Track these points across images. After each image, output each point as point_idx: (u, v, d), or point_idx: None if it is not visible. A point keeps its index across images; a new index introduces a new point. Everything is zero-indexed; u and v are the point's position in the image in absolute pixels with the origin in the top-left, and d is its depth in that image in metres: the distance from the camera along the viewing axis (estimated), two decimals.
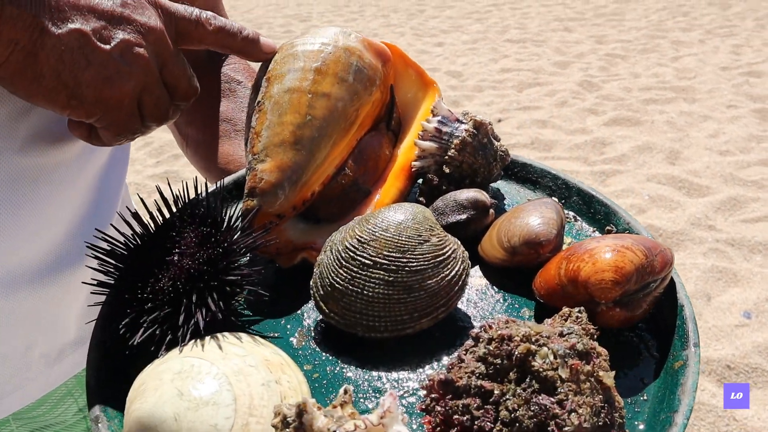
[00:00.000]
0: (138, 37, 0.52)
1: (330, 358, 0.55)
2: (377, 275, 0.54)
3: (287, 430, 0.41)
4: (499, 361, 0.45)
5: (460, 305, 0.59)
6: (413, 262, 0.53)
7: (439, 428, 0.45)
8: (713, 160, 3.23)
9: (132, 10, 0.52)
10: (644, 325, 0.56)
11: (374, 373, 0.53)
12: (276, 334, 0.57)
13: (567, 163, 3.30)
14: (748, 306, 2.21)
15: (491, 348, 0.46)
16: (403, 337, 0.55)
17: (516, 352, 0.44)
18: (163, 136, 4.00)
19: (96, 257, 0.57)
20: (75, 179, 0.67)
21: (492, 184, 0.71)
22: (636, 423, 0.49)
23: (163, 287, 0.53)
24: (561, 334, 0.46)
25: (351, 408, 0.43)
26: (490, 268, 0.62)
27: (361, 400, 0.51)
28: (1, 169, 0.58)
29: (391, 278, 0.53)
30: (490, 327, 0.47)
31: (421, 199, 0.66)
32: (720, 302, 2.24)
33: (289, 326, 0.58)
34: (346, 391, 0.44)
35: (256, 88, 0.65)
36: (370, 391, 0.52)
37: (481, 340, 0.47)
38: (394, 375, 0.53)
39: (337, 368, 0.54)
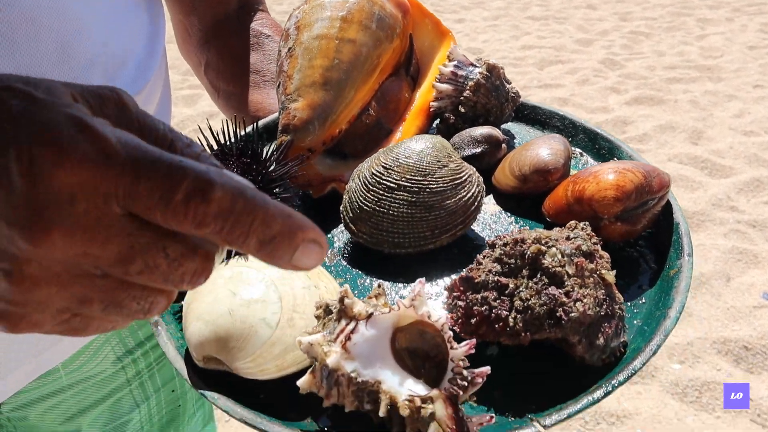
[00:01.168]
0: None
1: (359, 272, 0.61)
2: (401, 197, 0.60)
3: (330, 315, 0.48)
4: (513, 260, 0.51)
5: (475, 227, 0.65)
6: (433, 184, 0.60)
7: (460, 320, 0.52)
8: (737, 141, 3.16)
9: None
10: (644, 243, 0.62)
11: (400, 285, 0.60)
12: None
13: None
14: None
15: (506, 249, 0.52)
16: (425, 253, 0.61)
17: (528, 252, 0.51)
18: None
19: None
20: None
21: (503, 126, 0.77)
22: (635, 321, 0.55)
23: None
24: (567, 238, 0.52)
25: (384, 299, 0.49)
26: (503, 196, 0.68)
27: None
28: None
29: (413, 199, 0.59)
30: (510, 235, 0.54)
31: (438, 136, 0.72)
32: (739, 283, 2.23)
33: None
34: (379, 286, 0.50)
35: (286, 37, 0.71)
36: (397, 299, 0.58)
37: (497, 245, 0.53)
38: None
39: (367, 281, 0.60)
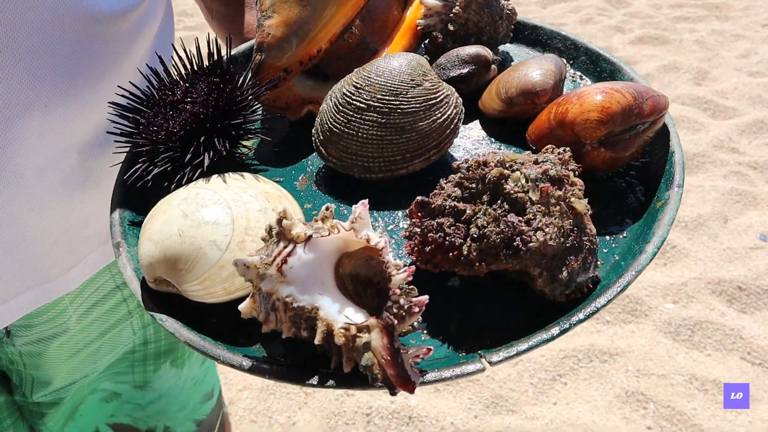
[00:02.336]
0: None
1: (328, 198, 0.59)
2: (371, 117, 0.56)
3: (271, 237, 0.46)
4: (474, 185, 0.48)
5: (455, 153, 0.61)
6: (405, 104, 0.56)
7: (416, 248, 0.49)
8: (742, 81, 3.07)
9: None
10: (635, 173, 0.57)
11: (369, 211, 0.57)
12: (281, 179, 0.61)
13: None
14: (765, 229, 2.18)
15: (467, 173, 0.48)
16: (398, 179, 0.58)
17: (489, 176, 0.47)
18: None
19: (117, 112, 0.61)
20: (126, 53, 0.70)
21: (501, 47, 0.71)
22: (614, 256, 0.51)
23: (174, 130, 0.58)
24: (536, 162, 0.48)
25: (331, 222, 0.47)
26: (489, 121, 0.64)
27: None
28: (66, 40, 0.62)
29: (383, 120, 0.56)
30: (475, 158, 0.50)
31: (426, 56, 0.67)
32: (737, 224, 2.21)
33: (293, 172, 0.62)
34: (327, 208, 0.47)
35: None
36: (336, 221, 0.55)
37: (460, 169, 0.49)
38: (387, 212, 0.56)
39: (335, 206, 0.58)
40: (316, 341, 0.43)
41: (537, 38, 0.72)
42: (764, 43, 3.47)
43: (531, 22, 0.72)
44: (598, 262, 0.50)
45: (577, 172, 0.51)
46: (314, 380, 0.44)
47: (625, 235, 0.52)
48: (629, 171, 0.57)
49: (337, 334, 0.42)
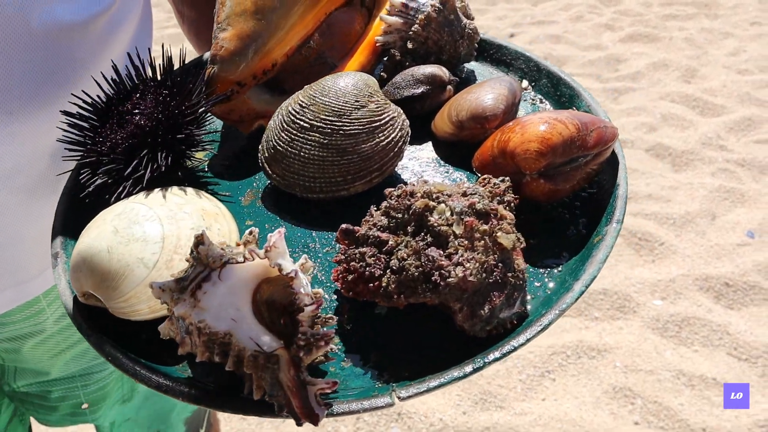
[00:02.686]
0: None
1: (271, 215, 0.58)
2: (314, 138, 0.56)
3: (190, 258, 0.45)
4: (399, 215, 0.47)
5: (403, 175, 0.60)
6: (348, 126, 0.55)
7: (341, 275, 0.48)
8: (731, 79, 3.06)
9: None
10: (580, 204, 0.56)
11: (308, 231, 0.56)
12: (227, 193, 0.61)
13: (579, 80, 3.15)
14: (753, 226, 2.18)
15: (393, 202, 0.47)
16: (342, 200, 0.57)
17: (414, 206, 0.46)
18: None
19: (67, 120, 0.61)
20: (97, 59, 0.70)
21: (466, 65, 0.71)
22: (546, 290, 0.50)
23: (119, 142, 0.58)
24: (464, 194, 0.47)
25: (254, 246, 0.46)
26: (441, 143, 0.63)
27: (292, 254, 0.55)
28: (32, 47, 0.62)
29: (326, 141, 0.55)
30: (404, 186, 0.49)
31: (383, 74, 0.67)
32: (725, 221, 2.22)
33: (240, 187, 0.62)
34: (251, 233, 0.47)
35: None
36: (300, 247, 0.55)
37: (391, 196, 0.48)
38: (326, 234, 0.56)
39: (274, 225, 0.57)
40: (227, 367, 0.43)
41: (501, 58, 0.71)
42: (753, 41, 3.45)
43: (496, 41, 0.71)
44: (528, 297, 0.49)
45: (513, 204, 0.50)
46: (226, 405, 0.44)
47: (560, 269, 0.51)
48: (574, 202, 0.56)
49: (246, 362, 0.42)
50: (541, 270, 0.51)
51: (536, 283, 0.51)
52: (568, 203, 0.56)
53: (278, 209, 0.59)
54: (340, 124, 0.55)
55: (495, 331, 0.46)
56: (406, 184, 0.56)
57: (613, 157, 0.56)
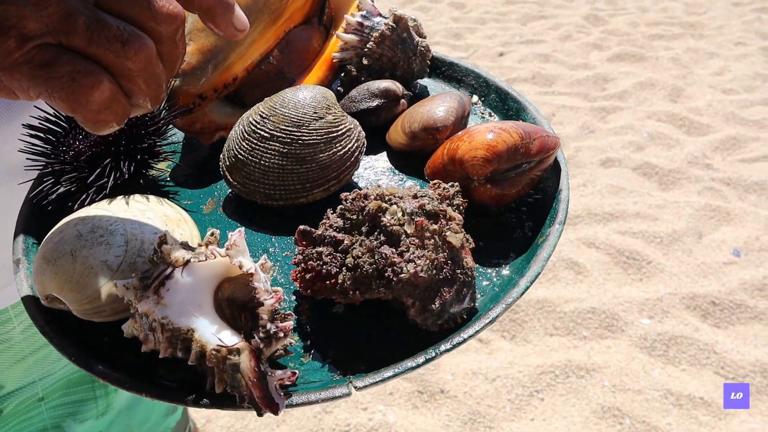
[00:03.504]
0: None
1: (232, 222, 0.60)
2: (274, 147, 0.58)
3: (153, 257, 0.47)
4: (354, 216, 0.50)
5: (360, 183, 0.63)
6: (306, 136, 0.58)
7: (299, 275, 0.50)
8: (716, 99, 3.16)
9: None
10: (526, 209, 0.60)
11: (268, 236, 0.59)
12: (189, 202, 0.63)
13: (567, 99, 3.26)
14: (739, 244, 2.22)
15: (348, 205, 0.50)
16: (300, 207, 0.60)
17: (368, 208, 0.49)
18: None
19: (30, 131, 0.63)
20: None
21: (420, 81, 0.74)
22: (494, 288, 0.53)
23: (83, 151, 0.59)
24: (414, 196, 0.50)
25: (215, 247, 0.48)
26: (395, 154, 0.66)
27: (253, 257, 0.57)
28: None
29: (285, 150, 0.58)
30: (359, 190, 0.52)
31: (340, 89, 0.70)
32: (711, 240, 2.26)
33: (201, 196, 0.64)
34: (212, 234, 0.49)
35: None
36: (260, 251, 0.57)
37: (346, 199, 0.51)
38: (286, 239, 0.58)
39: (219, 232, 0.59)
40: (190, 361, 0.44)
41: (453, 74, 0.74)
42: (737, 61, 3.57)
43: (447, 59, 0.75)
44: (477, 295, 0.52)
45: (462, 207, 0.53)
46: (190, 399, 0.46)
47: (507, 271, 0.55)
48: (521, 207, 0.60)
49: (209, 356, 0.44)
50: (489, 270, 0.55)
51: (485, 282, 0.54)
52: (515, 208, 0.60)
53: (239, 216, 0.61)
54: (299, 134, 0.58)
55: (446, 325, 0.49)
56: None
57: (556, 164, 0.60)
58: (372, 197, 0.49)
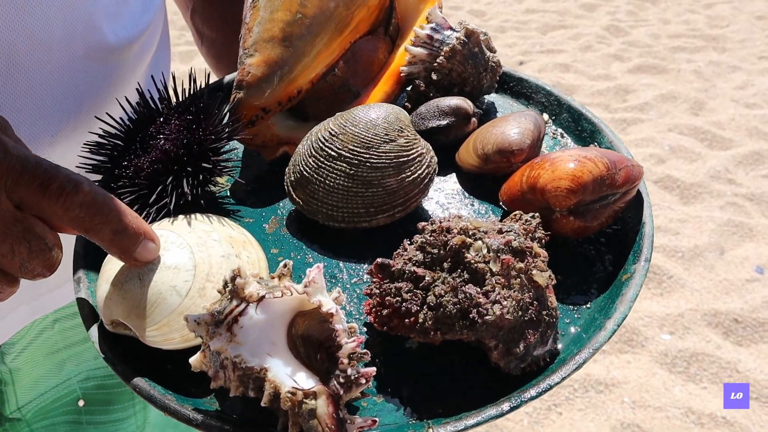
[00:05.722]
0: None
1: (296, 243, 0.58)
2: (340, 167, 0.56)
3: (225, 293, 0.45)
4: (435, 250, 0.47)
5: (427, 206, 0.60)
6: (375, 159, 0.55)
7: (374, 309, 0.48)
8: (739, 113, 3.08)
9: None
10: (606, 240, 0.57)
11: (333, 261, 0.56)
12: (250, 220, 0.61)
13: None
14: (762, 261, 2.16)
15: (429, 238, 0.47)
16: (363, 230, 0.57)
17: (451, 243, 0.46)
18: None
19: (91, 146, 0.61)
20: (127, 81, 0.70)
21: (487, 97, 0.71)
22: (575, 328, 0.50)
23: (143, 167, 0.57)
24: (500, 231, 0.48)
25: (288, 281, 0.46)
26: (465, 175, 0.63)
27: None
28: (73, 71, 0.62)
29: (352, 171, 0.55)
30: (439, 221, 0.49)
31: (407, 104, 0.67)
32: (733, 256, 2.20)
33: (264, 214, 0.61)
34: (285, 266, 0.47)
35: None
36: (327, 277, 0.55)
37: (425, 231, 0.49)
38: (352, 264, 0.56)
39: (300, 254, 0.57)
40: (263, 403, 0.42)
41: (521, 91, 0.71)
42: (761, 75, 3.48)
43: (516, 74, 0.72)
44: (559, 334, 0.49)
45: (544, 241, 0.50)
46: None
47: (588, 306, 0.52)
48: (600, 238, 0.57)
49: (283, 399, 0.42)
50: (570, 306, 0.52)
51: (566, 320, 0.51)
52: (593, 239, 0.57)
53: (303, 237, 0.59)
54: (368, 156, 0.55)
55: (529, 368, 0.46)
56: (430, 217, 0.57)
57: (638, 195, 0.57)
58: (455, 231, 0.47)
